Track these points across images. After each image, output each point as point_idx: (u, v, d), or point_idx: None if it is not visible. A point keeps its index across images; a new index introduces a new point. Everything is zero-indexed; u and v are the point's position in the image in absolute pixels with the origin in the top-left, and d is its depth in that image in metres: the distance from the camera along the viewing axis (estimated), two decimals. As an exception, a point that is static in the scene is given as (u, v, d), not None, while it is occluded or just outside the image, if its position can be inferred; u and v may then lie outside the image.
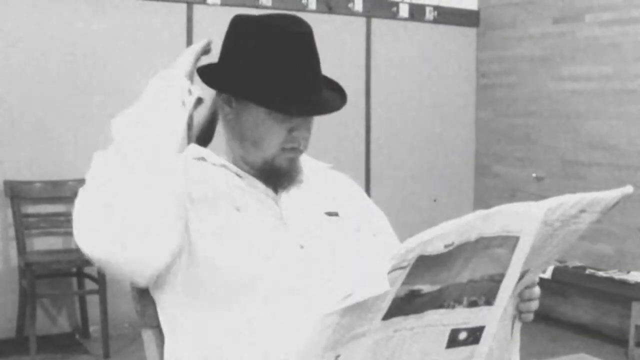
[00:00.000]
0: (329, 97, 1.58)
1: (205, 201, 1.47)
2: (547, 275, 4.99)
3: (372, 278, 1.01)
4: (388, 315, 1.10)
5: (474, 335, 1.21)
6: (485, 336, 1.23)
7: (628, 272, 4.94)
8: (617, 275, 4.91)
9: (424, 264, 1.06)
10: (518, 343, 1.41)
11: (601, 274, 4.96)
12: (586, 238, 5.03)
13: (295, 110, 1.50)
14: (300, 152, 1.56)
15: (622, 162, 5.13)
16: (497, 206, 1.11)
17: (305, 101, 1.50)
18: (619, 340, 4.95)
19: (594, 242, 5.21)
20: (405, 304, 1.10)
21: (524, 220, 1.14)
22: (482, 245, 1.11)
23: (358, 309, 1.05)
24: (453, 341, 1.20)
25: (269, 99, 1.49)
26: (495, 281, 1.18)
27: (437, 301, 1.14)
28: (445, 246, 1.06)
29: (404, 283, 1.06)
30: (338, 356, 1.10)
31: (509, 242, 1.15)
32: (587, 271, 5.05)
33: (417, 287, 1.09)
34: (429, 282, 1.09)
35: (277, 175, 1.55)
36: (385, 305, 1.08)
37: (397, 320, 1.12)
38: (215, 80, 1.57)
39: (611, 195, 1.26)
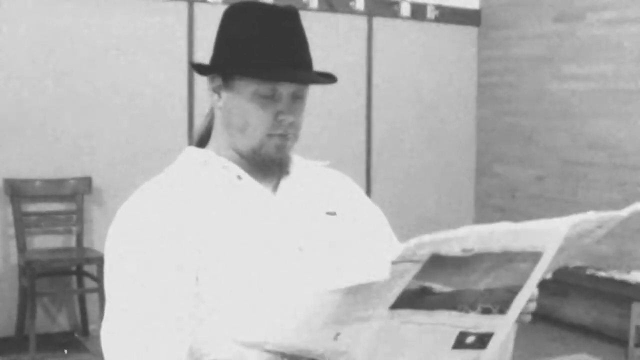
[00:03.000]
0: (314, 75, 1.55)
1: (205, 210, 1.46)
2: (548, 275, 4.99)
3: (374, 265, 1.01)
4: (396, 306, 1.10)
5: (482, 340, 1.21)
6: (493, 343, 1.23)
7: (628, 273, 4.93)
8: (618, 275, 4.91)
9: (438, 264, 1.05)
10: (512, 342, 1.41)
11: (601, 274, 4.96)
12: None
13: (272, 75, 1.47)
14: (288, 139, 1.52)
15: (623, 162, 5.12)
16: (525, 222, 1.11)
17: (284, 67, 1.48)
18: (619, 340, 4.94)
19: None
20: (416, 299, 1.10)
21: (549, 236, 1.15)
22: (505, 258, 1.11)
23: (363, 292, 1.05)
24: (460, 343, 1.19)
25: (246, 66, 1.48)
26: (512, 292, 1.18)
27: (450, 303, 1.13)
28: (463, 250, 1.05)
29: (415, 278, 1.06)
30: (338, 334, 1.10)
31: (533, 257, 1.15)
32: (588, 271, 5.05)
33: (428, 284, 1.08)
34: (442, 282, 1.09)
35: (266, 164, 1.52)
36: (392, 295, 1.07)
37: (405, 313, 1.11)
38: (202, 67, 1.58)
39: (625, 212, 1.27)
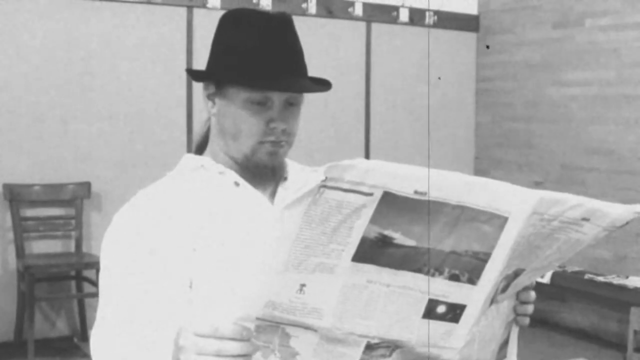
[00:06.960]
0: (306, 82, 1.53)
1: (201, 216, 1.45)
2: (546, 280, 4.99)
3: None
4: (358, 258, 1.08)
5: (454, 312, 1.18)
6: (466, 318, 1.19)
7: (627, 277, 4.93)
8: (616, 280, 4.91)
9: (392, 205, 1.04)
10: (516, 346, 1.40)
11: (600, 279, 4.96)
12: (585, 243, 5.02)
13: (261, 84, 1.46)
14: (281, 146, 1.51)
15: (621, 167, 5.13)
16: (484, 178, 1.11)
17: (275, 75, 1.47)
18: (617, 345, 4.95)
19: (592, 247, 5.20)
20: (377, 252, 1.08)
21: (513, 202, 1.12)
22: (466, 216, 1.09)
23: (317, 225, 1.04)
24: (431, 312, 1.17)
25: (237, 75, 1.47)
26: (480, 260, 1.15)
27: (415, 263, 1.11)
28: (416, 192, 1.04)
29: (372, 222, 1.05)
30: (304, 285, 1.09)
31: (497, 221, 1.12)
32: (586, 276, 5.05)
33: (388, 232, 1.06)
34: (402, 231, 1.07)
35: (259, 171, 1.51)
36: (352, 240, 1.06)
37: (370, 269, 1.09)
38: (197, 74, 1.58)
39: (618, 211, 1.22)
